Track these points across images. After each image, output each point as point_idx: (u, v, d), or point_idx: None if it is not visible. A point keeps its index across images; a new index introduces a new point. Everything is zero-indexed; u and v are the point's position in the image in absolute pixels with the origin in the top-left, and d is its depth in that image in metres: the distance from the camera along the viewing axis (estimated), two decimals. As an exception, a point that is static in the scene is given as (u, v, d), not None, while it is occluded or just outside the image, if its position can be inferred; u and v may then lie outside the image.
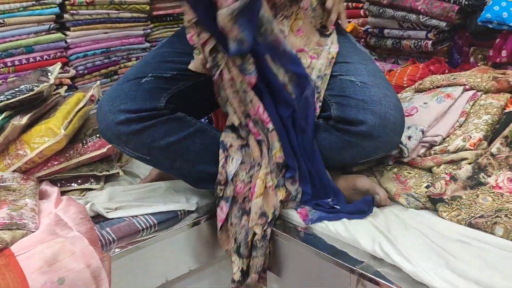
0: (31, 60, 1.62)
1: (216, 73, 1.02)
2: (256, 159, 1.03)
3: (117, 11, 1.75)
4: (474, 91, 1.19)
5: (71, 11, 1.66)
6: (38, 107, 1.26)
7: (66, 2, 1.65)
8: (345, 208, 1.00)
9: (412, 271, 0.77)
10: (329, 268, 0.89)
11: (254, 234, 1.00)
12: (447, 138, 1.09)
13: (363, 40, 1.87)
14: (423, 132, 1.09)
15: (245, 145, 1.06)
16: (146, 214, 1.06)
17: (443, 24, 1.52)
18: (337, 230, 0.94)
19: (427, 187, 0.98)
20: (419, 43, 1.62)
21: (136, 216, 1.05)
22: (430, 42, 1.59)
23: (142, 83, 1.02)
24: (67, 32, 1.68)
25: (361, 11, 1.88)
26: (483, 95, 1.16)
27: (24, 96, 1.20)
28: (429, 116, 1.13)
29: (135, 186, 1.20)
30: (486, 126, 1.06)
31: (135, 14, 1.80)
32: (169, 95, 1.03)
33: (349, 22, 1.94)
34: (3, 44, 1.57)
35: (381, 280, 0.80)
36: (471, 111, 1.13)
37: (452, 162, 1.02)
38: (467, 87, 1.20)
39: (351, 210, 0.99)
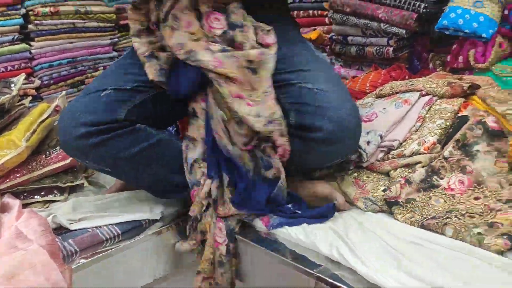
0: (-5, 71, 1.61)
1: None
2: None
3: (83, 21, 1.75)
4: (430, 96, 1.22)
5: (35, 22, 1.65)
6: (1, 118, 1.25)
7: (30, 12, 1.64)
8: (306, 213, 1.02)
9: (366, 273, 0.80)
10: (289, 273, 0.91)
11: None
12: (404, 143, 1.12)
13: (328, 47, 1.91)
14: (381, 137, 1.12)
15: None
16: (110, 225, 1.06)
17: (402, 31, 1.57)
18: (298, 235, 0.96)
19: (383, 190, 1.01)
20: (381, 49, 1.67)
21: (100, 226, 1.05)
22: (391, 49, 1.63)
23: (102, 96, 1.03)
24: (32, 43, 1.67)
25: (326, 19, 1.92)
26: (438, 100, 1.20)
27: (-15, 108, 1.19)
28: (387, 121, 1.17)
29: (99, 197, 1.20)
30: (439, 130, 1.09)
31: (101, 24, 1.80)
32: (129, 107, 1.04)
33: (315, 29, 1.98)
34: (-33, 56, 1.55)
35: (337, 283, 0.82)
36: (427, 115, 1.17)
37: (407, 165, 1.06)
38: (423, 92, 1.24)
39: (311, 215, 1.01)
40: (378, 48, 1.67)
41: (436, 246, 0.84)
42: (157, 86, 1.10)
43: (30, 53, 1.66)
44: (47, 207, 1.18)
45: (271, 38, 1.05)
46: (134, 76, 1.08)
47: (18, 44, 1.63)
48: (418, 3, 1.50)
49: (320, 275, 0.85)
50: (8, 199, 1.13)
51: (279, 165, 1.01)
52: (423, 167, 1.03)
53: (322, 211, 1.00)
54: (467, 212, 0.90)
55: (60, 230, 1.05)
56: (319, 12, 1.97)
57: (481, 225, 0.85)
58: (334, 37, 1.83)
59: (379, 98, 1.37)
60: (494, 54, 1.36)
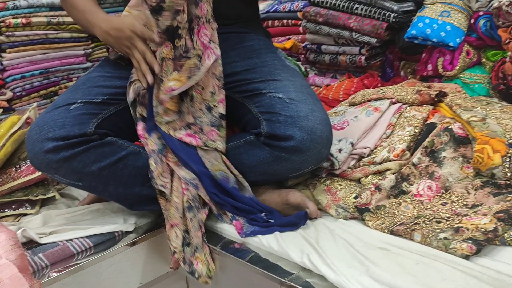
0: (-35, 83, 1.58)
1: None
2: None
3: (56, 32, 1.73)
4: (400, 104, 1.25)
5: (7, 33, 1.63)
6: (-30, 132, 1.23)
7: (1, 24, 1.62)
8: (278, 221, 1.03)
9: (335, 280, 0.81)
10: (261, 281, 0.92)
11: None
12: (375, 150, 1.14)
13: (303, 56, 1.93)
14: (352, 144, 1.14)
15: None
16: (81, 237, 1.05)
17: (374, 40, 1.60)
18: (270, 244, 0.97)
19: (355, 197, 1.02)
20: (354, 58, 1.69)
21: (71, 240, 1.04)
22: (363, 58, 1.66)
23: (71, 109, 1.02)
24: (3, 54, 1.65)
25: (300, 28, 1.95)
26: (407, 108, 1.23)
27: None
28: (358, 129, 1.19)
29: (71, 209, 1.18)
30: (409, 138, 1.12)
31: (75, 34, 1.79)
32: (99, 120, 1.03)
33: (289, 38, 2.00)
34: None
35: (308, 291, 0.83)
36: (397, 123, 1.19)
37: (378, 172, 1.08)
38: (393, 100, 1.26)
39: (283, 223, 1.02)
40: (351, 56, 1.70)
41: (403, 251, 0.85)
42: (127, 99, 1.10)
43: (2, 64, 1.63)
44: (18, 221, 1.17)
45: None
46: (104, 89, 1.08)
47: (-11, 55, 1.61)
48: (388, 13, 1.53)
49: (292, 284, 0.85)
50: (-23, 214, 1.12)
51: None
52: (393, 173, 1.05)
53: (293, 219, 1.01)
54: (434, 218, 0.92)
55: (30, 244, 1.03)
56: (293, 21, 1.99)
57: (448, 230, 0.87)
58: (308, 46, 1.85)
59: (351, 106, 1.39)
60: (461, 62, 1.40)
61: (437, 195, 0.99)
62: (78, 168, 1.00)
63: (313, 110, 1.02)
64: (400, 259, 0.83)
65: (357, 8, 1.61)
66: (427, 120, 1.17)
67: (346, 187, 1.09)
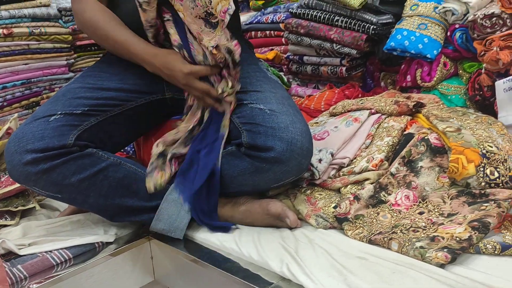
0: None
1: None
2: None
3: (37, 42, 1.73)
4: (379, 114, 1.28)
5: (-12, 43, 1.63)
6: (-51, 143, 1.22)
7: (-18, 34, 1.62)
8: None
9: (314, 290, 0.82)
10: (241, 292, 0.92)
11: None
12: (354, 160, 1.16)
13: (285, 66, 1.95)
14: (332, 154, 1.16)
15: None
16: (61, 249, 1.04)
17: (354, 51, 1.62)
18: (250, 254, 0.97)
19: (334, 207, 1.04)
20: (335, 69, 1.72)
21: (50, 251, 1.03)
22: (344, 68, 1.69)
23: (50, 121, 1.02)
24: (-16, 65, 1.64)
25: (282, 39, 1.97)
26: (386, 118, 1.25)
27: None
28: (338, 139, 1.21)
29: (51, 220, 1.18)
30: (387, 148, 1.14)
31: (57, 45, 1.78)
32: (79, 132, 1.03)
33: (272, 49, 2.03)
34: None
35: (287, 300, 0.84)
36: (376, 133, 1.21)
37: (357, 182, 1.09)
38: (373, 111, 1.29)
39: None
40: (332, 67, 1.73)
41: (381, 260, 0.87)
42: (108, 110, 1.10)
43: (-17, 74, 1.63)
44: (-3, 233, 1.16)
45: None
46: (84, 100, 1.08)
47: (-30, 66, 1.60)
48: (367, 25, 1.56)
49: (271, 293, 0.86)
50: (-46, 226, 1.10)
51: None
52: (371, 183, 1.07)
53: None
54: (411, 227, 0.94)
55: (9, 256, 1.03)
56: (276, 32, 2.02)
57: (424, 239, 0.88)
58: (290, 56, 1.88)
59: (332, 116, 1.41)
60: (439, 73, 1.43)
61: (414, 205, 1.01)
62: (57, 180, 1.00)
63: (293, 122, 1.03)
64: (377, 268, 0.84)
65: (337, 20, 1.64)
66: (405, 131, 1.19)
67: (326, 197, 1.10)
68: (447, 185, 1.02)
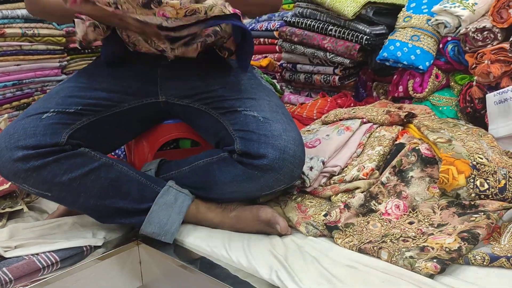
0: None
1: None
2: None
3: (30, 43, 1.72)
4: (371, 123, 1.28)
5: (-20, 43, 1.62)
6: None
7: (-26, 34, 1.61)
8: None
9: (303, 297, 0.81)
10: (229, 298, 0.92)
11: None
12: (345, 168, 1.16)
13: (279, 74, 1.96)
14: (323, 162, 1.16)
15: None
16: (48, 252, 1.03)
17: (347, 61, 1.63)
18: (239, 260, 0.97)
19: (324, 215, 1.04)
20: (328, 78, 1.73)
21: (37, 254, 1.02)
22: (337, 78, 1.70)
23: (43, 118, 1.01)
24: (-25, 64, 1.63)
25: (276, 47, 1.98)
26: (378, 128, 1.26)
27: None
28: (330, 147, 1.21)
29: (39, 223, 1.16)
30: (378, 157, 1.14)
31: (50, 46, 1.78)
32: (72, 131, 1.02)
33: (266, 57, 2.03)
34: None
35: (276, 308, 0.83)
36: (367, 142, 1.22)
37: (347, 191, 1.09)
38: (364, 120, 1.29)
39: None
40: (325, 76, 1.73)
41: (370, 269, 0.87)
42: (101, 110, 1.10)
43: (-26, 74, 1.62)
44: (-17, 234, 1.14)
45: None
46: (78, 99, 1.08)
47: (-39, 66, 1.59)
48: (360, 35, 1.57)
49: (259, 300, 0.86)
50: None
51: None
52: (362, 192, 1.07)
53: None
54: (401, 236, 0.94)
55: (-6, 258, 1.01)
56: (270, 40, 2.03)
57: (413, 249, 0.89)
58: (284, 64, 1.88)
59: (324, 124, 1.41)
60: (430, 85, 1.44)
61: (404, 214, 1.01)
62: (47, 178, 0.98)
63: (286, 130, 1.03)
64: (366, 277, 0.84)
65: (331, 30, 1.65)
66: (396, 140, 1.19)
67: (316, 204, 1.10)
68: (437, 195, 1.03)
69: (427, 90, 1.44)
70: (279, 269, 0.89)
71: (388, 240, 0.93)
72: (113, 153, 1.56)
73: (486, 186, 0.98)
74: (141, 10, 0.93)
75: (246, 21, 2.20)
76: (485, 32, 1.32)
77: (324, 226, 1.02)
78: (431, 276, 0.82)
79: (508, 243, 0.88)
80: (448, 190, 1.00)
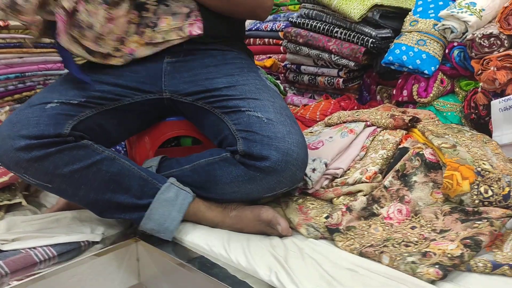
0: None
1: None
2: None
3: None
4: (374, 127, 1.27)
5: (-17, 34, 1.60)
6: None
7: (-22, 25, 1.59)
8: None
9: (302, 300, 0.80)
10: (228, 298, 0.90)
11: None
12: (348, 171, 1.15)
13: (282, 75, 1.95)
14: (326, 164, 1.15)
15: None
16: (45, 246, 1.02)
17: (352, 63, 1.63)
18: (238, 260, 0.96)
19: (326, 217, 1.03)
20: (332, 80, 1.72)
21: (34, 248, 1.01)
22: (341, 80, 1.69)
23: (46, 108, 1.00)
24: (-22, 55, 1.62)
25: (281, 48, 1.97)
26: (381, 131, 1.25)
27: None
28: (333, 149, 1.20)
29: (37, 216, 1.15)
30: (381, 160, 1.13)
31: (53, 40, 1.76)
32: (75, 122, 1.01)
33: (270, 57, 2.03)
34: None
35: (275, 309, 0.82)
36: (370, 145, 1.21)
37: (350, 193, 1.08)
38: (368, 123, 1.28)
39: None
40: (329, 78, 1.73)
41: (371, 273, 0.86)
42: (104, 104, 1.09)
43: (-24, 65, 1.60)
44: (-20, 226, 1.13)
45: None
46: (82, 91, 1.07)
47: (-37, 56, 1.57)
48: (366, 38, 1.57)
49: (258, 301, 0.84)
50: None
51: None
52: (364, 195, 1.06)
53: None
54: (403, 241, 0.93)
55: (-9, 251, 1.00)
56: (274, 40, 2.02)
57: (415, 254, 0.88)
58: (288, 65, 1.88)
59: (327, 126, 1.41)
60: (435, 90, 1.43)
61: (406, 219, 1.00)
62: (49, 170, 0.97)
63: (290, 132, 1.02)
64: (367, 281, 0.83)
65: (336, 32, 1.64)
66: (399, 144, 1.19)
67: (318, 206, 1.09)
68: (440, 201, 1.02)
69: (431, 95, 1.43)
70: (279, 271, 0.88)
71: (390, 245, 0.92)
72: (113, 148, 1.54)
73: (490, 193, 0.97)
74: None
75: (251, 20, 2.19)
76: (492, 39, 1.31)
77: (325, 229, 1.01)
78: (432, 282, 0.81)
79: (511, 251, 0.87)
80: (452, 196, 0.99)
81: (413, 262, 0.85)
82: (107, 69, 1.14)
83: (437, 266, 0.83)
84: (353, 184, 1.10)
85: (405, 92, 1.51)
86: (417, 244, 0.92)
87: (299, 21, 1.74)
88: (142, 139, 1.29)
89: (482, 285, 0.81)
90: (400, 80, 1.53)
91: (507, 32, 1.29)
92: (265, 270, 0.90)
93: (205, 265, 0.99)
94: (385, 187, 1.06)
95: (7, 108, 1.44)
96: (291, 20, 1.78)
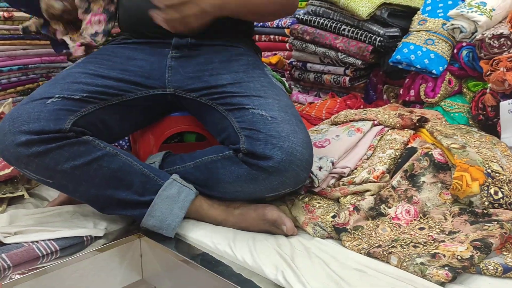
0: None
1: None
2: None
3: (38, 28, 1.69)
4: (382, 126, 1.26)
5: (-14, 25, 1.59)
6: None
7: (-19, 16, 1.58)
8: None
9: (309, 300, 0.79)
10: (233, 297, 0.89)
11: None
12: (355, 170, 1.14)
13: (288, 72, 1.94)
14: (333, 163, 1.13)
15: None
16: (48, 240, 1.00)
17: (359, 62, 1.61)
18: (244, 258, 0.94)
19: (333, 217, 1.01)
20: (338, 78, 1.70)
21: (37, 241, 0.99)
22: (347, 78, 1.67)
23: (47, 103, 0.98)
24: (-19, 46, 1.61)
25: (287, 45, 1.95)
26: (389, 131, 1.23)
27: None
28: (340, 148, 1.18)
29: (39, 210, 1.14)
30: (389, 160, 1.12)
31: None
32: (76, 118, 1.00)
33: (275, 54, 2.01)
34: None
35: (281, 308, 0.81)
36: (378, 145, 1.20)
37: (357, 193, 1.07)
38: (375, 122, 1.27)
39: None
40: (336, 76, 1.71)
41: (380, 274, 0.84)
42: (106, 99, 1.08)
43: (-21, 57, 1.59)
44: (-18, 219, 1.11)
45: None
46: (83, 86, 1.05)
47: (-34, 48, 1.57)
48: (374, 36, 1.55)
49: (264, 300, 0.83)
50: None
51: None
52: (372, 195, 1.05)
53: None
54: (411, 242, 0.92)
55: (-7, 244, 0.99)
56: (280, 37, 2.00)
57: (424, 255, 0.86)
58: (293, 62, 1.86)
59: (333, 125, 1.39)
60: (443, 90, 1.42)
61: (414, 220, 0.99)
62: (49, 165, 0.96)
63: (295, 132, 1.00)
64: (375, 281, 0.82)
65: (344, 29, 1.63)
66: (407, 144, 1.17)
67: (325, 205, 1.08)
68: (449, 202, 1.00)
69: (439, 95, 1.42)
70: (286, 270, 0.87)
71: (398, 245, 0.91)
72: (116, 144, 1.53)
73: (500, 195, 0.96)
74: None
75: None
76: (502, 39, 1.30)
77: (332, 228, 0.99)
78: (442, 284, 0.80)
79: (521, 254, 0.86)
80: (461, 197, 0.98)
81: (422, 264, 0.84)
82: (110, 63, 1.13)
83: (446, 268, 0.81)
84: (360, 184, 1.09)
85: (412, 92, 1.50)
86: (425, 245, 0.90)
87: (306, 18, 1.73)
88: (147, 134, 1.27)
89: (492, 289, 0.79)
90: (407, 80, 1.52)
91: (518, 33, 1.27)
92: (272, 268, 0.89)
93: (210, 262, 0.98)
94: (393, 187, 1.05)
95: (10, 100, 1.43)
96: (298, 17, 1.77)
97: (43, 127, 0.95)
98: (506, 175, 0.98)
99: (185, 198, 1.07)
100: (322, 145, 1.22)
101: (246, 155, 1.01)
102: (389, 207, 1.02)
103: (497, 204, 0.95)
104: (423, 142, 1.15)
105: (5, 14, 1.61)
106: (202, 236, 1.05)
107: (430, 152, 1.08)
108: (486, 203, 0.95)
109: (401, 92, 1.55)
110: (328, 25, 1.66)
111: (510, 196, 0.95)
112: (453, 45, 1.45)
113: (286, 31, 1.95)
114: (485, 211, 0.95)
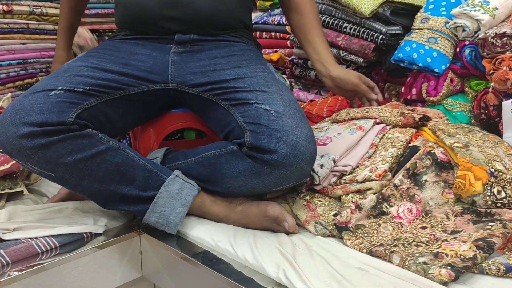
0: None
1: None
2: None
3: (37, 22, 1.68)
4: (384, 124, 1.25)
5: (-15, 19, 1.58)
6: None
7: (-19, 9, 1.57)
8: None
9: (311, 298, 0.78)
10: (234, 295, 0.89)
11: None
12: (357, 168, 1.13)
13: (288, 69, 1.93)
14: (334, 161, 1.13)
15: None
16: (47, 236, 1.00)
17: (360, 60, 1.60)
18: (245, 256, 0.94)
19: (334, 215, 1.01)
20: (339, 76, 1.69)
21: (36, 238, 0.99)
22: (349, 76, 1.66)
23: (50, 95, 0.97)
24: (-20, 40, 1.59)
25: (288, 42, 1.94)
26: (391, 129, 1.23)
27: None
28: (341, 146, 1.18)
29: (39, 206, 1.13)
30: (391, 159, 1.11)
31: (57, 27, 1.73)
32: (79, 110, 0.99)
33: (276, 51, 2.00)
34: None
35: (283, 307, 0.80)
36: (380, 143, 1.19)
37: (359, 191, 1.06)
38: (377, 120, 1.26)
39: None
40: (337, 74, 1.70)
41: (382, 273, 0.84)
42: (109, 93, 1.07)
43: (-22, 51, 1.58)
44: (-20, 215, 1.10)
45: None
46: (87, 79, 1.04)
47: (-35, 41, 1.55)
48: (376, 34, 1.54)
49: (266, 299, 0.83)
50: None
51: None
52: (374, 193, 1.04)
53: None
54: (414, 241, 0.91)
55: (-8, 240, 0.98)
56: (281, 34, 1.99)
57: (427, 254, 0.86)
58: (294, 60, 1.85)
59: (335, 123, 1.38)
60: (445, 89, 1.41)
61: (417, 219, 0.99)
62: (52, 158, 0.95)
63: (299, 126, 1.00)
64: (378, 280, 0.81)
65: (346, 27, 1.62)
66: (410, 143, 1.17)
67: (326, 203, 1.07)
68: (451, 201, 1.00)
69: (441, 94, 1.41)
70: (287, 268, 0.86)
71: (400, 244, 0.90)
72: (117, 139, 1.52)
73: (503, 194, 0.95)
74: None
75: (258, 14, 2.16)
76: (505, 38, 1.29)
77: (334, 226, 0.99)
78: (445, 283, 0.79)
79: (524, 254, 0.86)
80: (464, 197, 0.98)
81: (424, 263, 0.83)
82: (113, 57, 1.12)
83: (449, 267, 0.81)
84: (362, 182, 1.08)
85: (414, 91, 1.49)
86: (428, 245, 0.90)
87: (308, 15, 1.71)
88: (147, 130, 1.26)
89: (495, 288, 0.79)
90: (409, 78, 1.51)
91: (521, 32, 1.27)
92: (273, 267, 0.88)
93: (211, 260, 0.97)
94: (395, 185, 1.04)
95: (9, 95, 1.42)
96: (299, 14, 1.75)
97: (46, 119, 0.94)
98: (509, 174, 0.98)
99: (188, 194, 1.06)
100: (324, 143, 1.21)
101: (250, 149, 1.00)
102: (391, 206, 1.02)
103: (500, 204, 0.95)
104: (426, 141, 1.14)
105: (5, 7, 1.59)
106: (202, 233, 1.04)
107: (432, 151, 1.07)
108: (489, 202, 0.95)
109: (402, 90, 1.54)
110: (330, 22, 1.65)
111: (513, 196, 0.95)
112: (455, 43, 1.44)
113: (288, 28, 1.93)
114: (488, 211, 0.94)
